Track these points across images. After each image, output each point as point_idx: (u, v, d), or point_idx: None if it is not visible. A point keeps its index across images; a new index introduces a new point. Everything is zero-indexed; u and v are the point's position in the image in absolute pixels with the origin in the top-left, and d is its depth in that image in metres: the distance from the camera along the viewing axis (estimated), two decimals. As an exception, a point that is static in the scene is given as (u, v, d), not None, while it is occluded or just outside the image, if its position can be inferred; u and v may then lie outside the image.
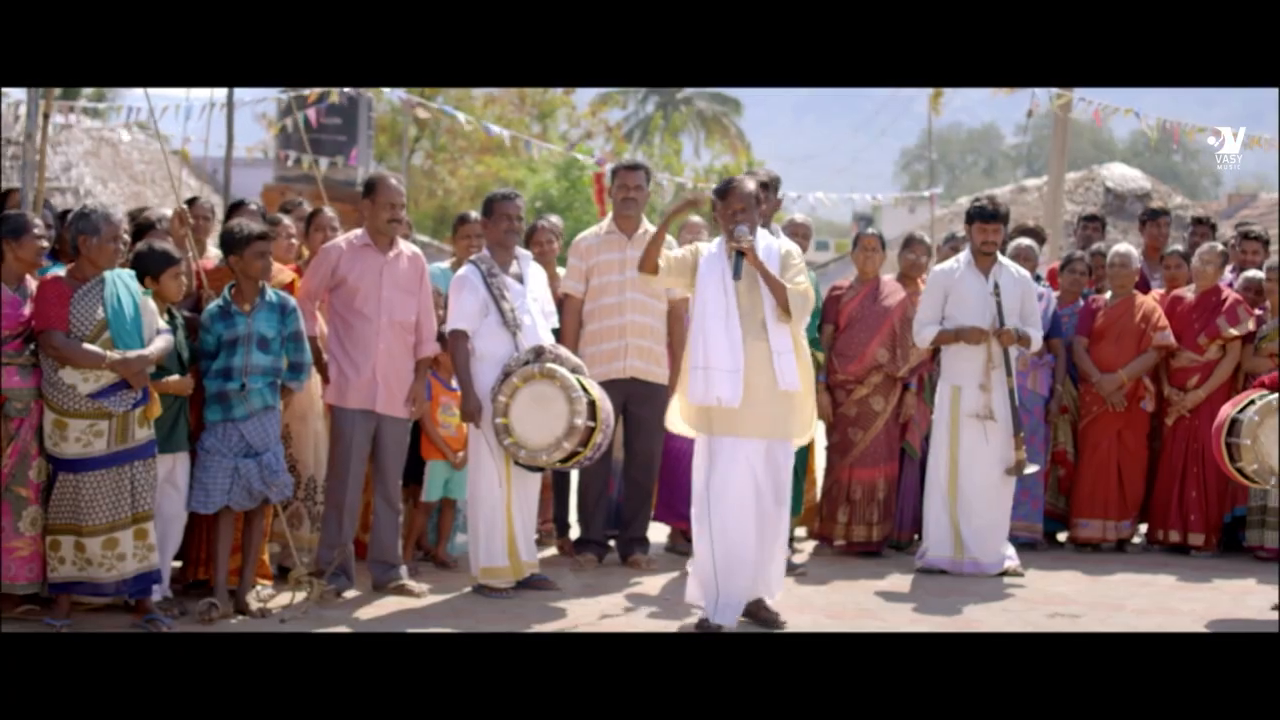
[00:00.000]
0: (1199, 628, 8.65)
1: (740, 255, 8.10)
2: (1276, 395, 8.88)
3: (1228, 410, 9.12)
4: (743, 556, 8.17)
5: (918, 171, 77.53)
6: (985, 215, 10.22)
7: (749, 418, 8.13)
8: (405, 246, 9.15)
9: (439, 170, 37.12)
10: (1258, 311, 11.31)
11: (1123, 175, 28.11)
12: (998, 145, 78.56)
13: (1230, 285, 11.52)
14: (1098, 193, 27.27)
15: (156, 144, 29.58)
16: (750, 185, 8.35)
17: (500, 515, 8.98)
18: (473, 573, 9.12)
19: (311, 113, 19.28)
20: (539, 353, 8.93)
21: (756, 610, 8.39)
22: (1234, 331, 11.10)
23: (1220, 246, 11.55)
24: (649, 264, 8.26)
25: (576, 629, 8.25)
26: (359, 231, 9.05)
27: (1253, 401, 8.99)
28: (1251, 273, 11.59)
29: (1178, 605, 9.34)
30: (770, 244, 8.38)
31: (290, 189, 21.27)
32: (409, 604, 8.78)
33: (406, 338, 9.04)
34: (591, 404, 8.81)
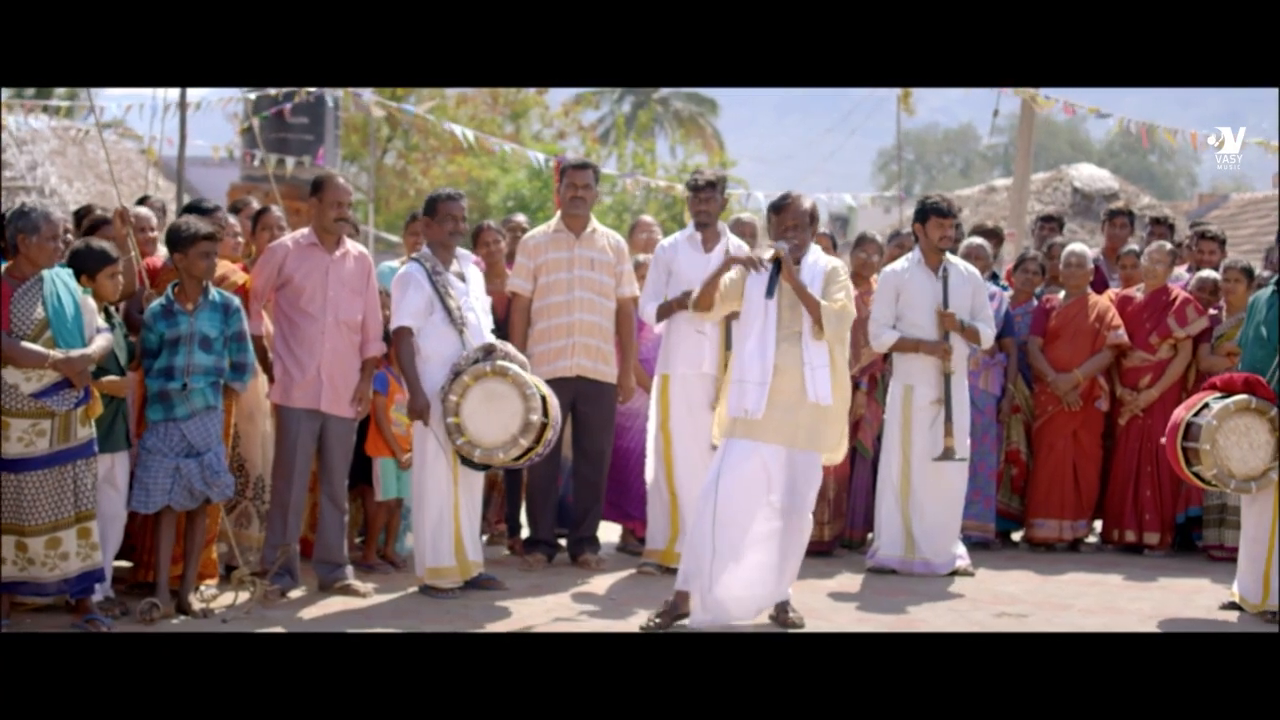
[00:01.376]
0: (1145, 627, 8.65)
1: (775, 271, 8.06)
2: (1234, 399, 8.85)
3: (1181, 414, 9.09)
4: (741, 557, 8.16)
5: (895, 172, 77.63)
6: (941, 210, 10.17)
7: (770, 423, 8.12)
8: (352, 246, 9.13)
9: (411, 170, 37.01)
10: (1212, 311, 11.33)
11: (1091, 175, 28.11)
12: (974, 146, 78.64)
13: (1184, 285, 11.54)
14: (1066, 193, 27.27)
15: (124, 143, 29.69)
16: (806, 203, 8.35)
17: (449, 515, 8.96)
18: (418, 573, 9.08)
19: (275, 110, 19.24)
20: (489, 350, 8.90)
21: (780, 615, 8.39)
22: (1183, 332, 11.11)
23: (1169, 246, 11.55)
24: (705, 303, 8.32)
25: (531, 629, 8.21)
26: (305, 231, 9.03)
27: (1208, 405, 8.96)
28: (1205, 273, 11.61)
29: (1125, 605, 9.34)
30: (816, 261, 8.33)
31: (256, 189, 21.20)
32: (354, 604, 8.75)
33: (352, 337, 9.01)
34: (543, 399, 8.80)
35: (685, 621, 8.17)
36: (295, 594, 8.87)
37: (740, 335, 8.30)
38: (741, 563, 8.18)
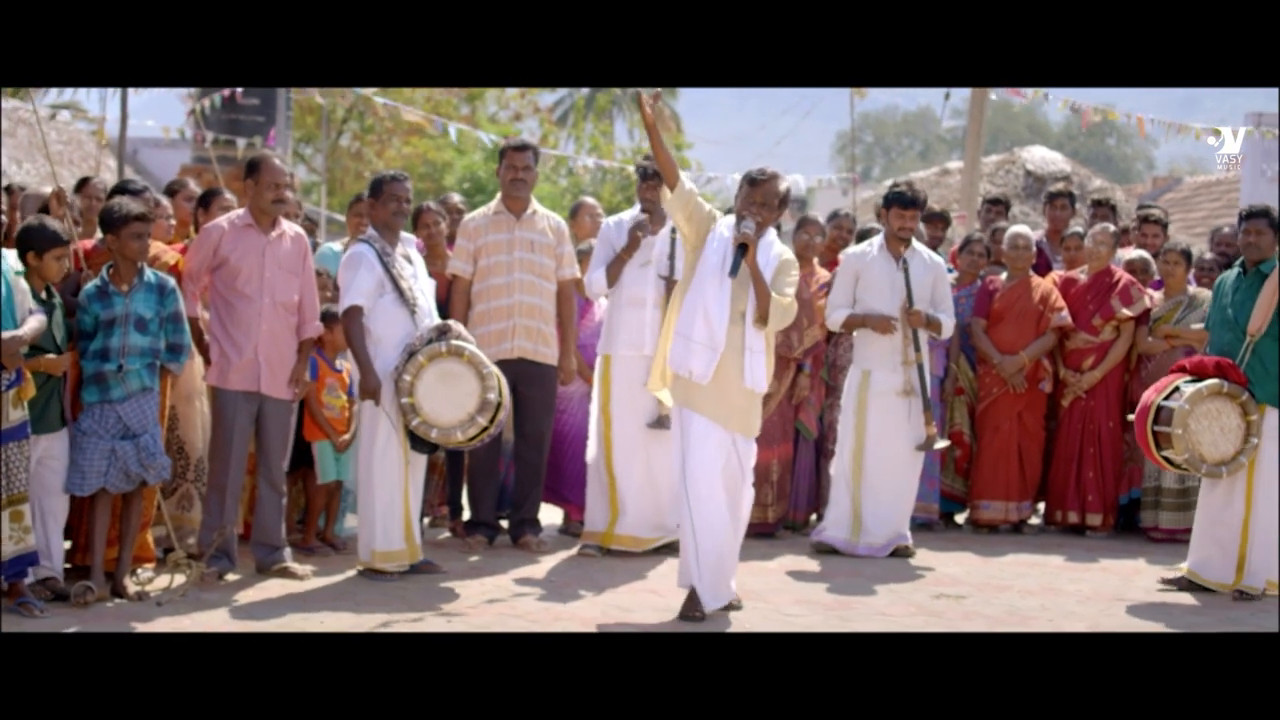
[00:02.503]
0: (1084, 609, 8.68)
1: (741, 252, 7.96)
2: (1206, 384, 8.87)
3: (1151, 396, 9.10)
4: (722, 539, 8.14)
5: (855, 154, 77.67)
6: (904, 201, 10.18)
7: (715, 402, 8.07)
8: (288, 226, 9.06)
9: (366, 152, 36.92)
10: (1153, 293, 11.36)
11: (1043, 158, 28.16)
12: (933, 129, 78.73)
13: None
14: (1018, 176, 27.34)
15: (75, 125, 29.55)
16: (782, 186, 8.20)
17: (399, 497, 8.92)
18: (363, 556, 9.01)
19: (227, 92, 19.13)
20: (443, 330, 8.86)
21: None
22: (1128, 311, 11.15)
23: (1112, 228, 11.58)
24: (672, 177, 8.11)
25: (490, 628, 8.18)
26: (241, 211, 8.97)
27: (1178, 388, 8.98)
28: (1134, 252, 11.67)
29: (1064, 586, 9.38)
30: (773, 245, 8.22)
31: (207, 170, 21.11)
32: (291, 587, 8.70)
33: (289, 318, 8.96)
34: (497, 379, 8.80)
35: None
36: (232, 577, 8.81)
37: (694, 290, 8.12)
38: (724, 547, 8.17)
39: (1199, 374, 8.98)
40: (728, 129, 74.26)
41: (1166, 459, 9.03)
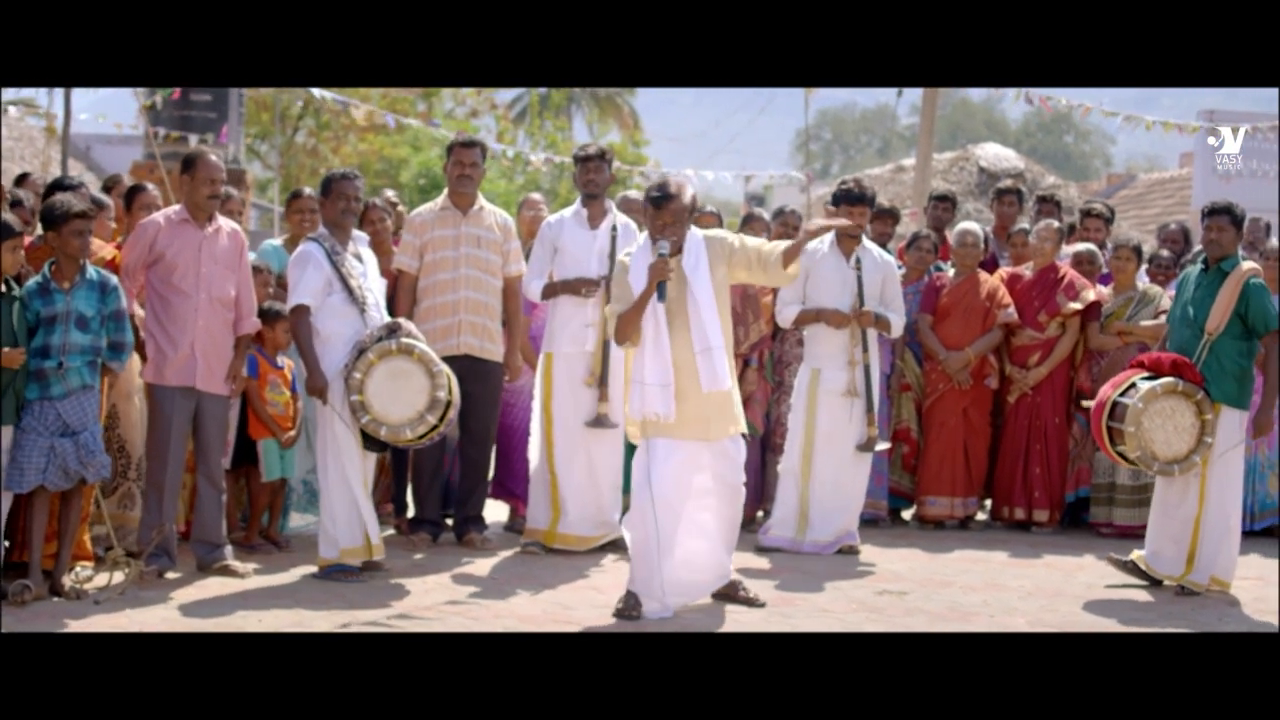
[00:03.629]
0: (1026, 604, 8.70)
1: (662, 287, 7.86)
2: (1161, 382, 8.89)
3: (1108, 392, 9.12)
4: (683, 544, 8.11)
5: (813, 151, 77.81)
6: (852, 198, 10.18)
7: (684, 424, 8.00)
8: (224, 222, 9.01)
9: (322, 148, 36.83)
10: (1101, 289, 11.39)
11: (996, 155, 28.24)
12: (892, 125, 78.85)
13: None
14: (971, 172, 27.41)
15: (27, 120, 29.36)
16: (686, 197, 8.05)
17: (361, 494, 8.90)
18: (325, 555, 8.92)
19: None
20: (394, 329, 8.83)
21: (733, 593, 8.42)
22: (1074, 306, 11.17)
23: (1056, 224, 11.61)
24: (629, 337, 8.04)
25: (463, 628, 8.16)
26: (177, 207, 8.92)
27: (1134, 385, 9.00)
28: (1080, 246, 11.71)
29: (1008, 582, 9.39)
30: (693, 236, 8.10)
31: (161, 165, 21.00)
32: (231, 585, 8.65)
33: (226, 314, 8.91)
34: (447, 377, 8.78)
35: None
36: (172, 575, 8.75)
37: (643, 340, 8.07)
38: (684, 549, 8.12)
39: (1155, 371, 9.00)
40: (685, 126, 74.32)
41: (1121, 455, 9.05)
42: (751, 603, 8.37)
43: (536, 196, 12.36)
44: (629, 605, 8.05)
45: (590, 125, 50.25)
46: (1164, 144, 66.90)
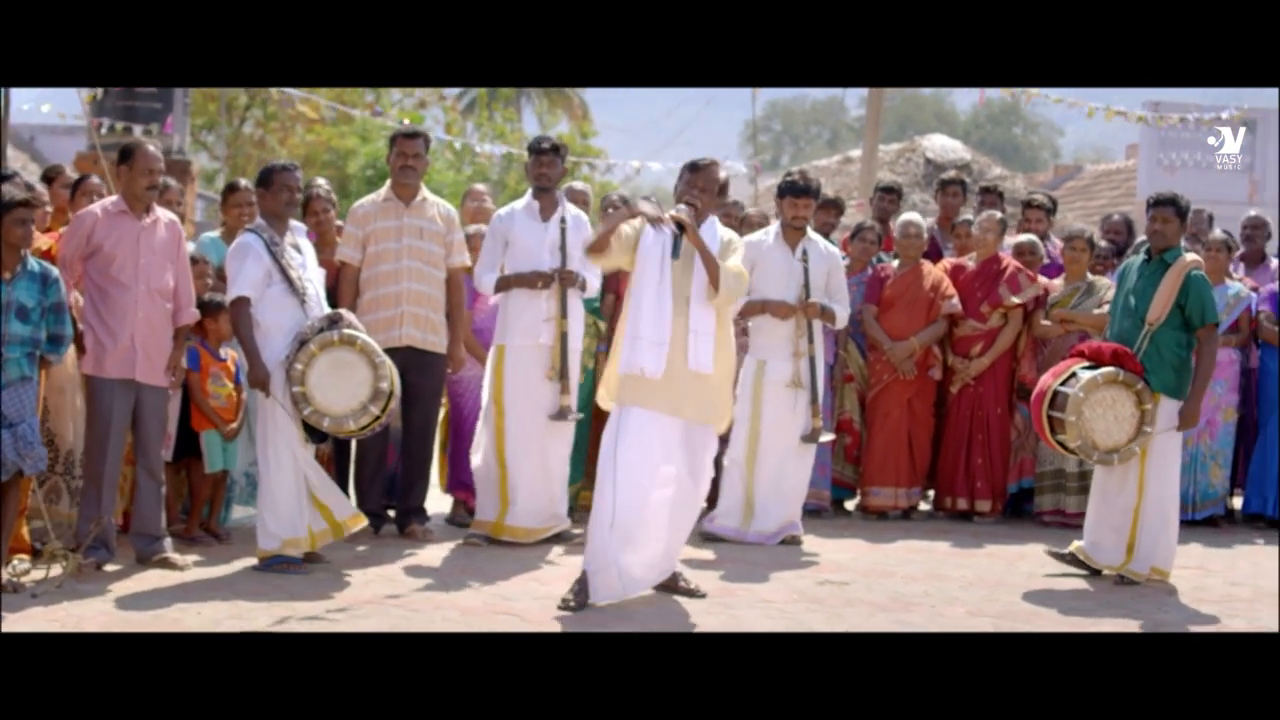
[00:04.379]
0: (968, 594, 8.72)
1: (679, 234, 7.95)
2: (1102, 372, 8.92)
3: (1049, 381, 9.15)
4: (645, 530, 8.09)
5: (763, 143, 77.81)
6: (796, 190, 10.21)
7: (663, 393, 8.03)
8: (162, 213, 8.94)
9: (269, 139, 36.65)
10: (1044, 280, 11.44)
11: (943, 146, 28.31)
12: (842, 117, 78.94)
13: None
14: (918, 163, 27.46)
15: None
16: (722, 173, 8.25)
17: (303, 486, 8.87)
18: (266, 546, 8.87)
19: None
20: (335, 320, 8.79)
21: (674, 584, 8.40)
22: (1015, 300, 11.22)
23: (999, 215, 11.66)
24: (599, 247, 8.09)
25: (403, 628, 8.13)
26: (115, 198, 8.86)
27: (1075, 374, 9.02)
28: (1021, 237, 11.76)
29: (949, 572, 9.42)
30: (714, 225, 8.23)
31: (105, 156, 20.86)
32: (170, 578, 8.59)
33: (165, 306, 8.84)
34: (390, 367, 8.76)
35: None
36: (111, 568, 8.69)
37: (636, 290, 8.13)
38: (641, 534, 8.10)
39: (1096, 360, 9.03)
40: (636, 116, 74.16)
41: (1061, 444, 9.09)
42: (692, 594, 8.36)
43: (480, 188, 12.33)
44: (576, 594, 8.04)
45: (540, 117, 50.09)
46: (1111, 136, 67.14)
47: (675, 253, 7.97)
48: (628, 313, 8.20)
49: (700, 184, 8.14)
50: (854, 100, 71.05)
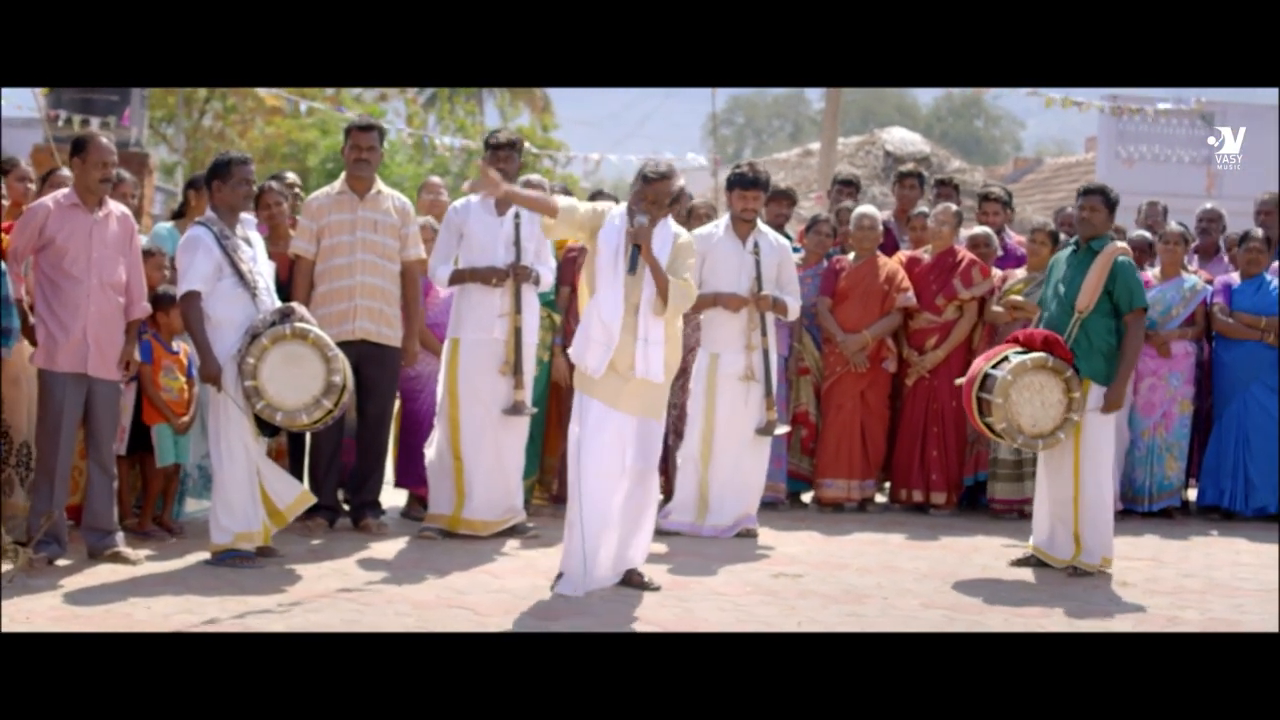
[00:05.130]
0: (921, 586, 8.74)
1: (636, 250, 8.07)
2: (1031, 356, 8.95)
3: (980, 364, 9.20)
4: (609, 527, 8.20)
5: (725, 136, 77.87)
6: (745, 182, 10.21)
7: (620, 393, 8.15)
8: (114, 206, 8.90)
9: (229, 132, 36.55)
10: (999, 273, 11.47)
11: (902, 139, 28.32)
12: (804, 110, 79.04)
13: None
14: (878, 156, 27.46)
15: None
16: (676, 186, 8.35)
17: (255, 479, 8.84)
18: (219, 540, 8.84)
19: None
20: (287, 313, 8.77)
21: (631, 578, 8.43)
22: (969, 293, 11.26)
23: (954, 207, 11.68)
24: (547, 209, 8.24)
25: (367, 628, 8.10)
26: (67, 191, 8.81)
27: (1007, 358, 9.06)
28: (976, 229, 11.80)
29: (903, 564, 9.44)
30: (669, 225, 8.34)
31: (62, 149, 20.76)
32: (123, 572, 8.55)
33: (117, 299, 8.79)
34: (343, 361, 8.75)
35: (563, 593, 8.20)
36: (63, 562, 8.65)
37: (596, 290, 8.22)
38: (608, 529, 8.22)
39: (1029, 347, 9.07)
40: (597, 109, 74.22)
41: (989, 426, 9.13)
42: (646, 586, 8.37)
43: (436, 180, 12.31)
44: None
45: (501, 110, 50.04)
46: (1073, 129, 67.45)
47: (632, 268, 8.10)
48: (588, 308, 8.27)
49: (651, 197, 8.19)
50: (816, 94, 71.03)
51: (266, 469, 9.01)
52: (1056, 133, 77.92)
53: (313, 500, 9.33)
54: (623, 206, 8.37)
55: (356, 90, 39.70)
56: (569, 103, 57.52)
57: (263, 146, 35.53)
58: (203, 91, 36.31)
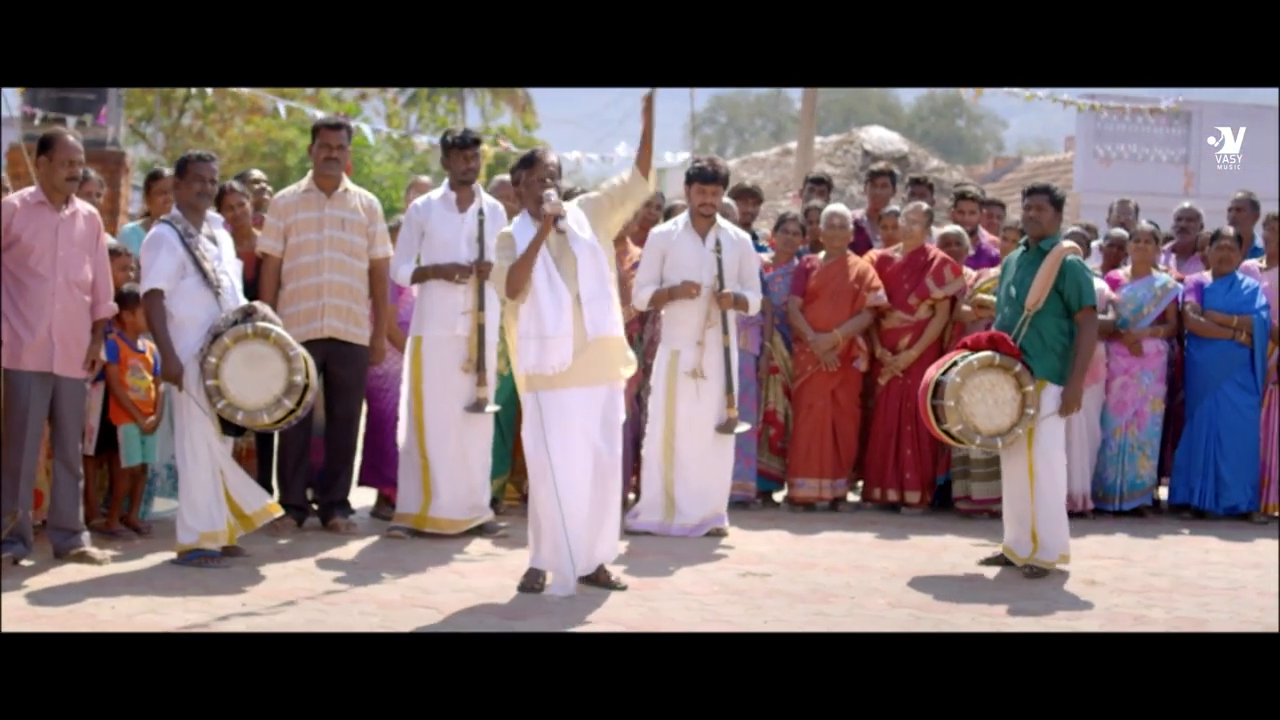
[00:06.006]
0: (890, 585, 8.74)
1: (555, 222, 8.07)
2: (977, 356, 8.96)
3: (932, 373, 9.22)
4: (584, 512, 8.20)
5: (708, 135, 77.86)
6: (704, 177, 10.16)
7: (583, 371, 8.13)
8: (81, 205, 8.88)
9: (208, 131, 36.47)
10: (970, 272, 11.47)
11: (880, 138, 28.31)
12: (786, 109, 79.05)
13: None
14: (856, 155, 27.45)
15: (-99, 101, 28.74)
16: (552, 156, 8.38)
17: (219, 479, 8.81)
18: (184, 540, 8.82)
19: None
20: (249, 312, 8.75)
21: (598, 576, 8.43)
22: (941, 292, 11.25)
23: (925, 206, 11.67)
24: (517, 289, 8.15)
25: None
26: (33, 189, 8.78)
27: (955, 363, 9.07)
28: (948, 228, 11.80)
29: (871, 563, 9.43)
30: (573, 209, 8.31)
31: (32, 149, 20.65)
32: (88, 572, 8.52)
33: (83, 298, 8.76)
34: (304, 361, 8.71)
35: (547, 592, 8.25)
36: (27, 562, 8.61)
37: (531, 295, 8.16)
38: (583, 518, 8.22)
39: (976, 348, 9.08)
40: (578, 107, 74.18)
41: (946, 432, 9.13)
42: (613, 585, 8.36)
43: (426, 179, 12.29)
44: (531, 579, 8.24)
45: (482, 108, 50.00)
46: (1054, 128, 67.48)
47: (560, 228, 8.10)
48: (522, 311, 8.21)
49: (540, 175, 8.22)
50: (798, 94, 70.94)
51: (233, 475, 8.98)
52: (1040, 132, 78.00)
53: (279, 512, 9.27)
54: (518, 217, 8.43)
55: (335, 90, 39.67)
56: (549, 101, 57.50)
57: (242, 145, 35.48)
58: (182, 90, 36.21)
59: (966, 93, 18.90)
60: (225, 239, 9.15)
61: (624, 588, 8.36)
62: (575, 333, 8.08)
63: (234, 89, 22.91)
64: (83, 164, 8.90)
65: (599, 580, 8.39)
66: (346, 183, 9.98)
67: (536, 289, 8.10)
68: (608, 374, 8.27)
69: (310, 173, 10.02)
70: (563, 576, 8.15)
